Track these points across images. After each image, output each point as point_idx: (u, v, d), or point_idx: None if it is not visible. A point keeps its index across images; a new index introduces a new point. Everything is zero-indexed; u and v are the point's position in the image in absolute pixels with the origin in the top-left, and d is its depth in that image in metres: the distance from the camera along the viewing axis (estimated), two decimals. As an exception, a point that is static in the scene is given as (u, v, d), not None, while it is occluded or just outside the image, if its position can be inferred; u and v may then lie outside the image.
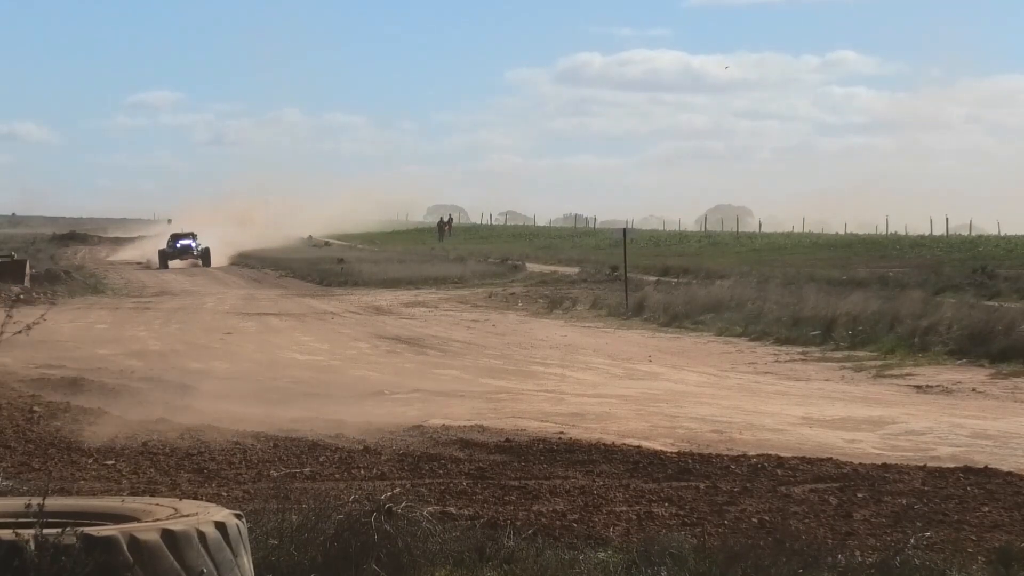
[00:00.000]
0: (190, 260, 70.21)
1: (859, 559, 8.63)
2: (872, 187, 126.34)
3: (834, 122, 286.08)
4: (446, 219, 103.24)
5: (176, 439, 13.78)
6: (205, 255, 70.28)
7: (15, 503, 6.50)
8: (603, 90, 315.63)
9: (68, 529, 5.75)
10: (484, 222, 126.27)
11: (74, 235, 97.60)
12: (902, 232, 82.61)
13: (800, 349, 27.51)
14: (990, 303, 33.22)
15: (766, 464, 12.49)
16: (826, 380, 22.73)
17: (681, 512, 10.51)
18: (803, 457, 12.96)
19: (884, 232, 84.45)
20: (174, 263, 68.69)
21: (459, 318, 36.02)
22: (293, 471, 12.16)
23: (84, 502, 6.87)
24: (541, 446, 13.50)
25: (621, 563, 8.54)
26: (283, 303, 42.22)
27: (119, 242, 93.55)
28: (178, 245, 71.44)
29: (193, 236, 73.12)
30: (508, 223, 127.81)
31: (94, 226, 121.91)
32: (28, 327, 9.68)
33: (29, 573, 5.63)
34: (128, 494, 10.25)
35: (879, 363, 24.59)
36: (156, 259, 70.58)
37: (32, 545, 5.68)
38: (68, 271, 53.30)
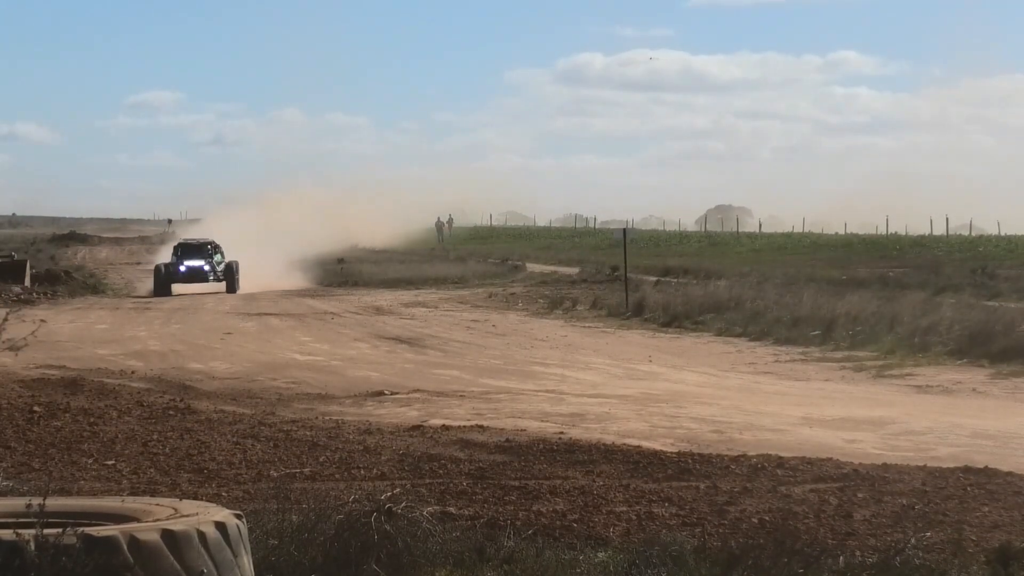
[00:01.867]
0: (207, 285, 48.69)
1: (859, 559, 8.63)
2: (893, 187, 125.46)
3: (836, 122, 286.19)
4: (445, 219, 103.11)
5: (176, 439, 13.79)
6: (229, 275, 48.90)
7: (15, 503, 6.50)
8: (604, 90, 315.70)
9: (68, 529, 5.75)
10: (484, 222, 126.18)
11: (74, 235, 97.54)
12: (902, 232, 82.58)
13: (800, 349, 27.51)
14: (990, 303, 33.22)
15: (766, 464, 12.48)
16: (826, 380, 22.74)
17: (681, 512, 10.51)
18: (803, 457, 12.96)
19: (884, 232, 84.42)
20: (182, 288, 47.97)
21: (459, 318, 36.02)
22: (293, 471, 12.16)
23: (84, 502, 6.87)
24: (541, 446, 13.50)
25: (621, 563, 8.53)
26: (283, 303, 42.22)
27: (120, 243, 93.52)
28: (183, 268, 48.90)
29: (211, 249, 50.46)
30: (508, 223, 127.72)
31: (95, 227, 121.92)
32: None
33: (30, 573, 5.64)
34: (128, 494, 10.25)
35: (879, 363, 24.59)
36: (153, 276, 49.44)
37: (33, 545, 5.68)
38: (68, 271, 53.27)
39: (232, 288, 48.67)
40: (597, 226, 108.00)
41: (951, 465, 12.68)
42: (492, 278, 53.47)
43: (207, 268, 49.27)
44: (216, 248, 50.84)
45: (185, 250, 50.57)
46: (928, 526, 10.00)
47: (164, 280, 48.30)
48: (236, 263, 49.84)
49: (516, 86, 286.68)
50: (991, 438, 15.39)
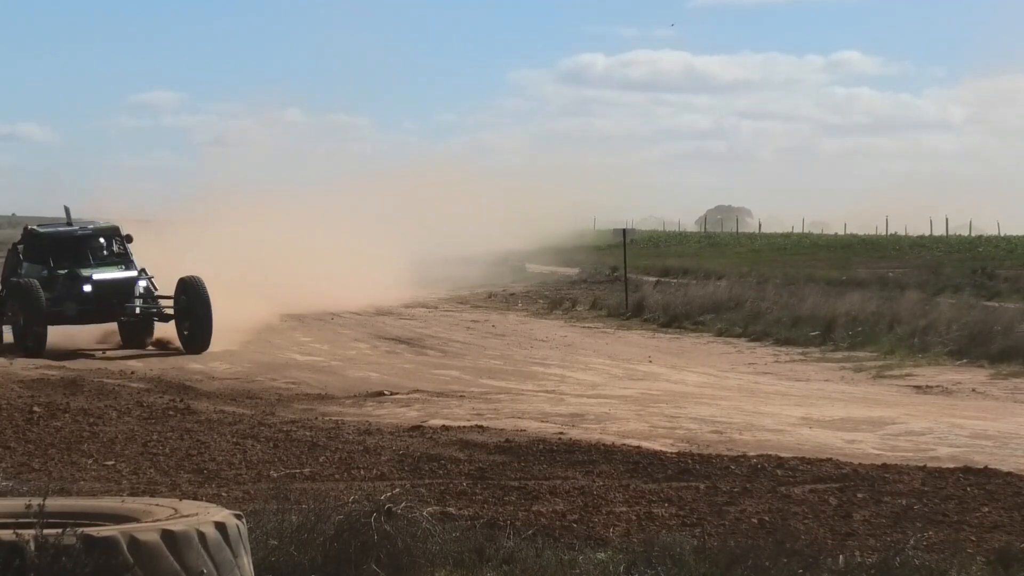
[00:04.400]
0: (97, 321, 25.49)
1: (859, 559, 8.63)
2: (894, 187, 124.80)
3: (837, 123, 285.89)
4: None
5: (176, 439, 13.80)
6: (144, 312, 25.40)
7: (15, 503, 6.50)
8: (606, 91, 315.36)
9: (68, 530, 5.75)
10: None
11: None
12: (902, 232, 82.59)
13: (800, 349, 27.50)
14: (990, 303, 33.22)
15: (766, 464, 12.48)
16: (826, 380, 22.73)
17: (681, 512, 10.52)
18: (803, 457, 12.96)
19: (884, 233, 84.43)
20: (63, 335, 24.78)
21: (459, 319, 36.00)
22: (293, 471, 12.17)
23: (84, 502, 6.87)
24: (541, 446, 13.50)
25: (621, 563, 8.54)
26: (283, 303, 42.09)
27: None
28: (87, 288, 24.78)
29: (112, 244, 26.16)
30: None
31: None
32: None
33: (29, 574, 5.64)
34: (128, 494, 10.26)
35: (879, 364, 24.58)
36: None
37: (32, 546, 5.68)
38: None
39: (200, 339, 24.90)
40: (597, 226, 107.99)
41: (951, 465, 12.68)
42: (492, 278, 53.44)
43: (143, 283, 25.53)
44: (117, 237, 26.45)
45: (62, 245, 25.74)
46: (928, 526, 10.00)
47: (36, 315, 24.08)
48: (148, 276, 25.99)
49: (518, 87, 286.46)
50: (991, 438, 15.38)
